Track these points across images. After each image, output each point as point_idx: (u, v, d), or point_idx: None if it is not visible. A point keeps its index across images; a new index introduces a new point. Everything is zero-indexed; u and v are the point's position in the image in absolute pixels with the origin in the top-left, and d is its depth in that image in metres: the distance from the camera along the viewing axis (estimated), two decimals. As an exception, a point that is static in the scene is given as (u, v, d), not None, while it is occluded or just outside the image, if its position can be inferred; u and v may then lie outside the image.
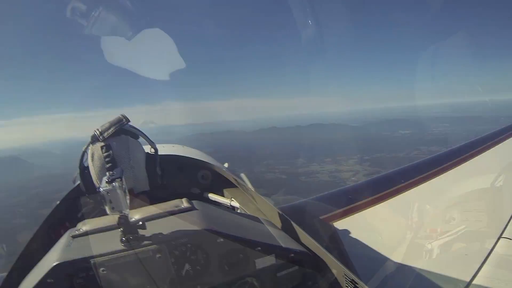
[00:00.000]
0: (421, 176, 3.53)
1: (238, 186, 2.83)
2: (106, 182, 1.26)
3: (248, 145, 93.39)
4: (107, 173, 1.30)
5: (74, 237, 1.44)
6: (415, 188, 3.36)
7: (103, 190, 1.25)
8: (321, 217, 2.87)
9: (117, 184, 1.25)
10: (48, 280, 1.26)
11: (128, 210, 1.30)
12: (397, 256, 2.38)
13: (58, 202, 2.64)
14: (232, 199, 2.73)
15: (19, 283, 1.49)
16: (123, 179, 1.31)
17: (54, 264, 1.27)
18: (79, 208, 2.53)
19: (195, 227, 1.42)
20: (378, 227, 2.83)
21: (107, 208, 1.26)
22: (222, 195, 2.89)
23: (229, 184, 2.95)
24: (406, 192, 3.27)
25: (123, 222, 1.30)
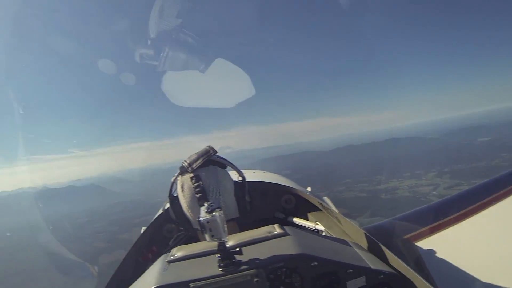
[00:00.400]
0: (509, 187, 3.03)
1: (322, 209, 2.85)
2: (206, 212, 1.35)
3: (326, 164, 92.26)
4: (205, 204, 1.39)
5: (169, 262, 1.55)
6: (503, 201, 2.91)
7: (203, 219, 1.33)
8: (405, 237, 2.75)
9: (217, 214, 1.33)
10: None
11: (227, 237, 1.37)
12: (485, 276, 2.17)
13: (144, 227, 2.91)
14: (317, 222, 2.70)
15: None
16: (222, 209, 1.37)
17: (153, 287, 1.35)
18: (166, 234, 2.80)
19: (290, 252, 1.46)
20: (465, 245, 2.59)
21: (206, 236, 1.35)
22: (306, 219, 2.88)
23: (313, 208, 2.97)
24: (494, 206, 2.87)
25: (222, 248, 1.37)
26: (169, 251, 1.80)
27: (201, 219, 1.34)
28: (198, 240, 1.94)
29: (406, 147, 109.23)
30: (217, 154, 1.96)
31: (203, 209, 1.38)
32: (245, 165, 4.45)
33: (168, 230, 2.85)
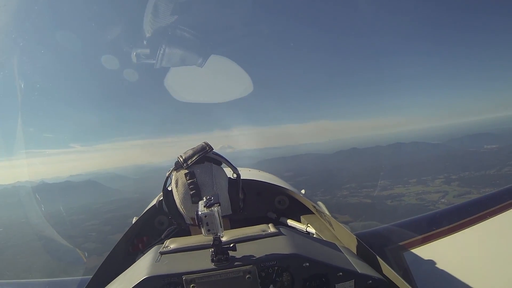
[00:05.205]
0: (506, 202, 2.94)
1: (314, 212, 2.85)
2: (204, 206, 1.35)
3: (329, 168, 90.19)
4: (204, 198, 1.40)
5: (162, 253, 1.58)
6: (499, 215, 2.83)
7: (201, 213, 1.34)
8: (399, 244, 2.72)
9: (215, 209, 1.35)
10: None
11: (222, 232, 1.39)
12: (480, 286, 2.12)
13: (135, 217, 2.88)
14: (308, 225, 2.73)
15: (103, 286, 1.71)
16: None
17: (145, 277, 1.38)
18: (157, 225, 2.85)
19: (283, 251, 1.49)
20: (458, 257, 2.56)
21: (203, 230, 1.36)
22: (298, 221, 2.89)
23: (306, 211, 2.95)
24: (489, 220, 2.79)
25: (217, 243, 1.40)
26: (161, 242, 1.78)
27: (199, 213, 1.36)
28: (189, 234, 1.97)
29: (411, 152, 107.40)
30: (213, 150, 1.96)
31: (201, 203, 1.39)
32: (246, 165, 4.51)
33: (159, 222, 2.88)
